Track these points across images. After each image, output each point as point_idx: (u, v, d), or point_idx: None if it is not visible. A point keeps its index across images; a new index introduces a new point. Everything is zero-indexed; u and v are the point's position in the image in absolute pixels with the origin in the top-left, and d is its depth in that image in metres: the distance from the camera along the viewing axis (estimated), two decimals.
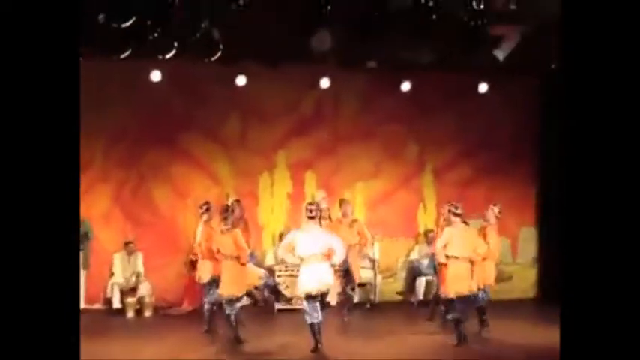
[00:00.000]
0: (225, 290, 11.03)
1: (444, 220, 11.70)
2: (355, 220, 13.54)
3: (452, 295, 10.97)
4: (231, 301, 10.99)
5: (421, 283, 14.86)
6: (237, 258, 11.01)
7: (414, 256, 15.39)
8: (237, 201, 13.11)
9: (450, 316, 11.12)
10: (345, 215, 13.29)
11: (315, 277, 10.44)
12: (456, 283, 10.96)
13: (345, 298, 12.83)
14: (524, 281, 16.62)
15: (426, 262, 13.84)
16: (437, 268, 12.06)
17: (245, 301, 11.30)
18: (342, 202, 13.63)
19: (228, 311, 11.03)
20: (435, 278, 13.15)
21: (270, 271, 14.23)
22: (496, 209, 12.25)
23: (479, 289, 11.46)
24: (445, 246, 11.04)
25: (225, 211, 11.25)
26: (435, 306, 12.49)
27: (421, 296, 14.88)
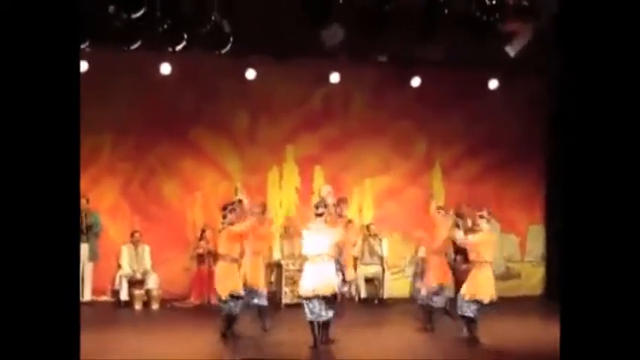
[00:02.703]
0: (220, 289, 10.83)
1: (473, 225, 11.59)
2: (350, 221, 13.47)
3: (487, 300, 10.94)
4: (223, 301, 10.77)
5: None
6: (228, 256, 10.88)
7: (421, 253, 15.32)
8: (240, 201, 13.14)
9: (468, 315, 11.03)
10: (340, 215, 13.15)
11: (319, 277, 10.28)
12: (489, 288, 11.00)
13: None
14: (533, 279, 16.61)
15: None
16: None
17: (236, 302, 10.94)
18: (339, 200, 13.46)
19: (222, 309, 10.84)
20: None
21: (278, 266, 14.26)
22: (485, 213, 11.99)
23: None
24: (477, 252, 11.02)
25: (224, 209, 11.11)
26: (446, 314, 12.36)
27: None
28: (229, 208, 11.11)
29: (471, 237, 11.28)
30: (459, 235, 11.77)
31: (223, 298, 10.73)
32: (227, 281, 10.83)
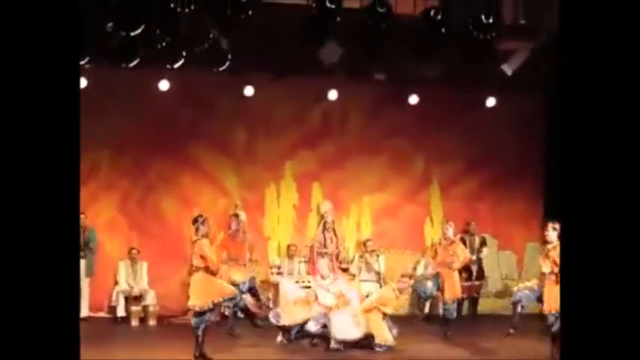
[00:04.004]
0: (191, 301, 10.64)
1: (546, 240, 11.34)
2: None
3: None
4: (198, 314, 10.54)
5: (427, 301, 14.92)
6: (205, 269, 10.59)
7: (420, 269, 15.36)
8: (236, 215, 13.22)
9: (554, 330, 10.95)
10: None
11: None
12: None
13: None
14: None
15: (429, 284, 13.76)
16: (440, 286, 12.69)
17: (212, 316, 10.78)
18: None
19: (195, 324, 10.57)
20: (438, 295, 13.24)
21: (276, 284, 14.24)
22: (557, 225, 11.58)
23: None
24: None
25: (195, 222, 10.90)
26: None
27: (427, 311, 15.05)
28: (200, 220, 10.98)
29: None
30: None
31: (206, 307, 10.53)
32: (203, 293, 10.56)
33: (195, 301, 10.59)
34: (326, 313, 11.55)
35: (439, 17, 11.15)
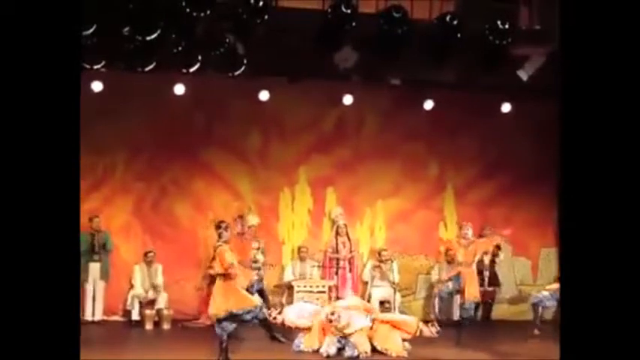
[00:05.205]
0: (212, 309, 10.63)
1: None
2: None
3: None
4: (219, 321, 10.49)
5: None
6: (224, 276, 10.55)
7: (434, 275, 15.32)
8: (240, 217, 13.20)
9: None
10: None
11: None
12: None
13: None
14: None
15: (450, 284, 13.71)
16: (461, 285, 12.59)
17: (232, 325, 10.58)
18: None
19: (218, 332, 10.51)
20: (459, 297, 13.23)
21: (289, 288, 14.26)
22: None
23: None
24: None
25: (218, 228, 10.94)
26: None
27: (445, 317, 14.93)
28: (224, 225, 10.94)
29: None
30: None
31: (221, 315, 10.45)
32: (224, 301, 10.51)
33: (213, 310, 10.60)
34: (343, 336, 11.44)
35: (455, 22, 11.14)
